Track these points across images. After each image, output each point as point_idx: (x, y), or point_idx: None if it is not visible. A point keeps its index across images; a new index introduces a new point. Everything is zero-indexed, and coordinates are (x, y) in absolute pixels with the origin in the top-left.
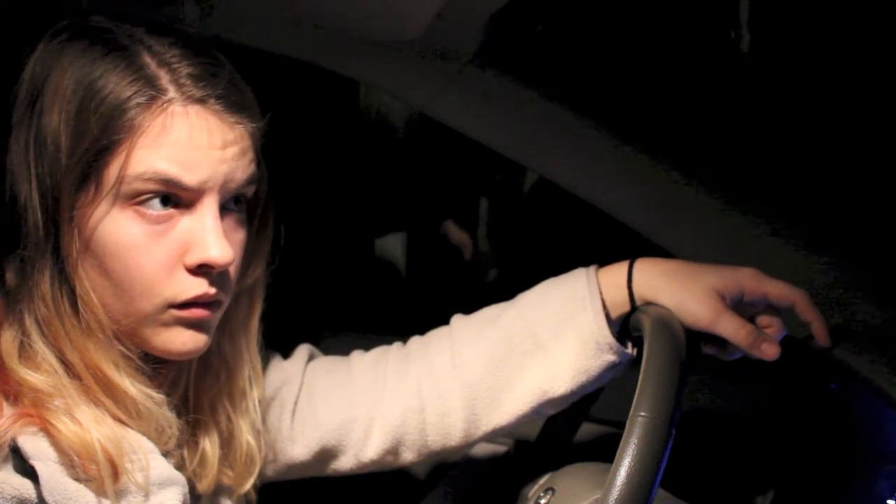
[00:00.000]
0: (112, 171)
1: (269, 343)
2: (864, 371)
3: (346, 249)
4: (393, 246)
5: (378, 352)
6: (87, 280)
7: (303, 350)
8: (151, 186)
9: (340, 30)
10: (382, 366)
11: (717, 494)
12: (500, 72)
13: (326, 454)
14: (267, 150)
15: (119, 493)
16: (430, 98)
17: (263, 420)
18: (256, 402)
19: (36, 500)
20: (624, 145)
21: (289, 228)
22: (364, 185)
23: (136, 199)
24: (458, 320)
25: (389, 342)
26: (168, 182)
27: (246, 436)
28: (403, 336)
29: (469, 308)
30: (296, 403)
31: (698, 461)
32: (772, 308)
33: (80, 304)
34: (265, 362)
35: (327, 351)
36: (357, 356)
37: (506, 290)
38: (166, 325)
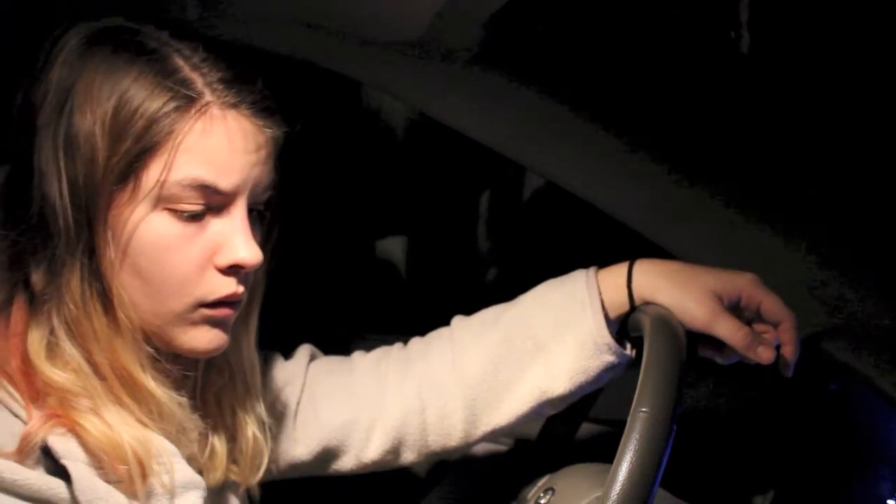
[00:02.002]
0: (152, 174)
1: (270, 343)
2: (864, 371)
3: (347, 250)
4: (394, 246)
5: (379, 352)
6: (118, 279)
7: (304, 350)
8: (189, 192)
9: (340, 30)
10: (384, 367)
11: (717, 494)
12: (500, 72)
13: (328, 455)
14: None
15: (146, 495)
16: (430, 98)
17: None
18: (260, 397)
19: (70, 500)
20: (624, 146)
21: (290, 229)
22: (364, 186)
23: (170, 202)
24: (458, 321)
25: (391, 343)
26: (205, 187)
27: (252, 430)
28: (404, 336)
29: (470, 309)
30: (298, 404)
31: (698, 461)
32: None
33: (113, 304)
34: (267, 363)
35: (329, 351)
36: (358, 357)
37: (507, 291)
38: (194, 323)
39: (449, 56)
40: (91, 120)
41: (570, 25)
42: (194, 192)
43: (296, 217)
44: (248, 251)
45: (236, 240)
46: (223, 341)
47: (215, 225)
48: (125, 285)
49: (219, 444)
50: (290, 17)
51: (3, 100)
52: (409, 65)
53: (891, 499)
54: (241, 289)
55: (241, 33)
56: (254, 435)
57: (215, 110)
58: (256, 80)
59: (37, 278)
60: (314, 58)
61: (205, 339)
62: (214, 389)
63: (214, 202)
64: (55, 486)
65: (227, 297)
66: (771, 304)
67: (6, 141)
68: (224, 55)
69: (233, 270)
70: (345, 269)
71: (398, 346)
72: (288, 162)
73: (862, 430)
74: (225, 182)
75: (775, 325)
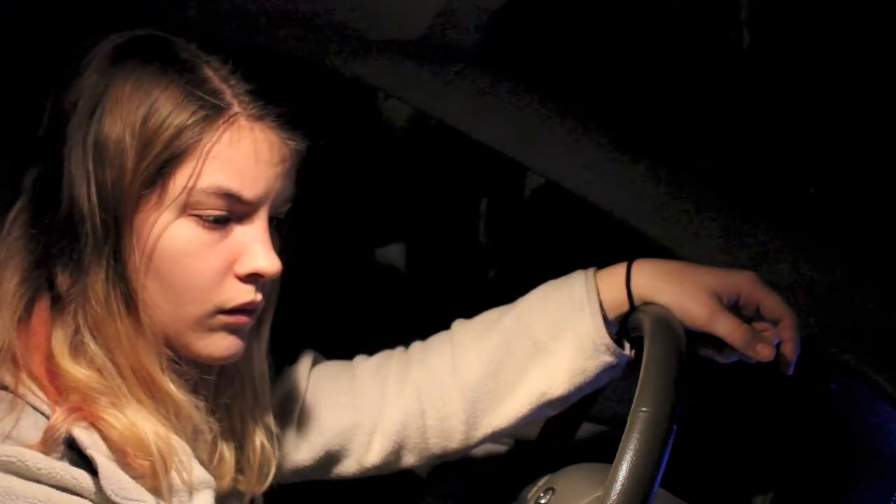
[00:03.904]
0: (179, 181)
1: (273, 349)
2: (864, 371)
3: (348, 254)
4: (394, 250)
5: (381, 357)
6: (142, 282)
7: (307, 356)
8: (213, 200)
9: (340, 29)
10: (384, 371)
11: (717, 494)
12: (500, 72)
13: (330, 459)
14: None
15: (168, 490)
16: (430, 98)
17: None
18: (269, 407)
19: (94, 491)
20: (625, 145)
21: (291, 232)
22: (364, 189)
23: (196, 209)
24: (459, 324)
25: (392, 347)
26: (230, 196)
27: (260, 439)
28: (406, 340)
29: (471, 312)
30: (300, 410)
31: (698, 461)
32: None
33: (137, 306)
34: (269, 369)
35: (331, 356)
36: (360, 361)
37: (507, 293)
38: (212, 330)
39: (449, 56)
40: (121, 126)
41: (569, 25)
42: (219, 199)
43: (297, 221)
44: (268, 261)
45: (257, 249)
46: (239, 348)
47: (237, 234)
48: (148, 289)
49: (227, 451)
50: (288, 16)
51: (33, 105)
52: (409, 65)
53: (891, 499)
54: (259, 297)
55: (240, 32)
56: (262, 444)
57: (243, 121)
58: (283, 94)
59: (62, 279)
60: (314, 57)
61: (221, 345)
62: (225, 397)
63: (237, 211)
64: (79, 476)
65: (245, 304)
66: (770, 301)
67: (36, 145)
68: (252, 69)
69: (252, 279)
70: (346, 273)
71: (399, 350)
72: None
73: (862, 430)
74: (249, 192)
75: (775, 323)
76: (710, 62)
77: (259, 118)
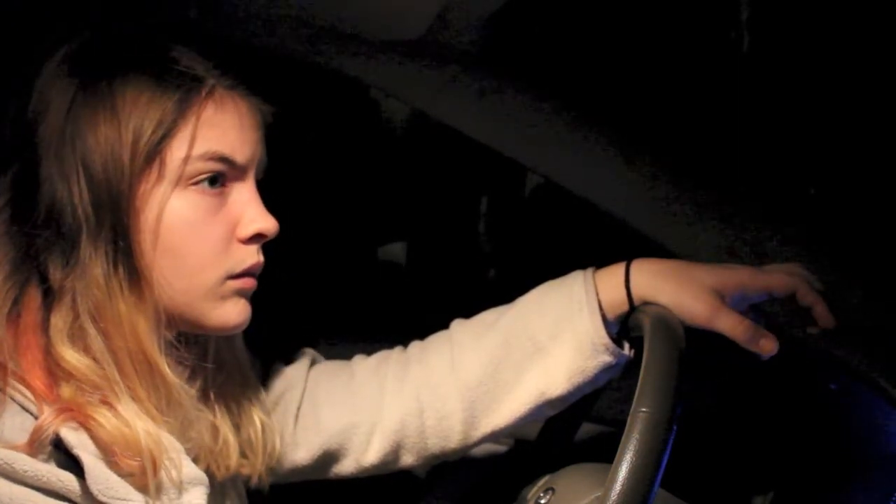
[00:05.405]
0: (176, 154)
1: (271, 348)
2: (864, 371)
3: (347, 253)
4: (393, 249)
5: (380, 357)
6: (149, 260)
7: (305, 355)
8: (211, 166)
9: (340, 29)
10: (383, 370)
11: (717, 494)
12: (500, 72)
13: (328, 459)
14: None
15: (156, 489)
16: (430, 98)
17: None
18: (259, 386)
19: (80, 494)
20: (624, 145)
21: (290, 232)
22: (364, 188)
23: (193, 178)
24: (457, 324)
25: (391, 346)
26: (224, 160)
27: (258, 416)
28: (405, 340)
29: (470, 312)
30: (299, 409)
31: (698, 461)
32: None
33: (140, 285)
34: (267, 368)
35: (329, 356)
36: (359, 361)
37: (507, 293)
38: (224, 297)
39: (449, 56)
40: (106, 114)
41: (570, 25)
42: (215, 165)
43: (296, 220)
44: (266, 220)
45: (253, 211)
46: (249, 313)
47: (232, 200)
48: (157, 265)
49: (230, 434)
50: (289, 16)
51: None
52: (409, 65)
53: (891, 499)
54: (262, 258)
55: (241, 32)
56: (261, 420)
57: (221, 90)
58: (241, 67)
59: (54, 271)
60: (313, 57)
61: (234, 311)
62: (216, 385)
63: (230, 176)
64: (65, 478)
65: (252, 266)
66: (778, 280)
67: (8, 144)
68: (252, 68)
69: (254, 240)
70: (345, 272)
71: (398, 349)
72: (289, 164)
73: (862, 430)
74: (240, 155)
75: (793, 297)
76: (710, 62)
77: (233, 87)
